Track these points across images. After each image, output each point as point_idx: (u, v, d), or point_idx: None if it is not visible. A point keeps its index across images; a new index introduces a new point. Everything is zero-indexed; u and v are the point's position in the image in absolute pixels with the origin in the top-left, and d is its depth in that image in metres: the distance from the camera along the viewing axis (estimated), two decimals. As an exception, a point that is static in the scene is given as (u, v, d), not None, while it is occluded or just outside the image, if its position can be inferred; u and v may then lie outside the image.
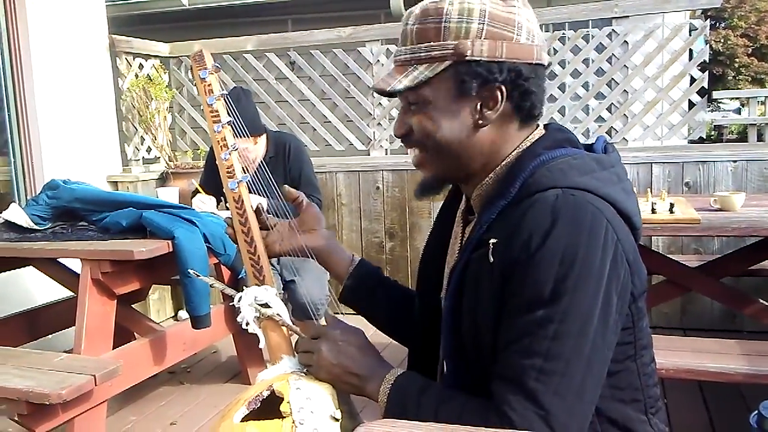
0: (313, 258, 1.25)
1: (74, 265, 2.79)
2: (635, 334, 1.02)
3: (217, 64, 1.30)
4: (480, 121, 1.01)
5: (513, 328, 0.93)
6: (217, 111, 1.27)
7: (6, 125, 3.65)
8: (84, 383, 2.01)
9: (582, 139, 1.09)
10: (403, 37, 1.02)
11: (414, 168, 1.13)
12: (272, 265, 3.09)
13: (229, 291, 1.23)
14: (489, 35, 0.97)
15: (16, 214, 2.54)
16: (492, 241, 0.96)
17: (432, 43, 0.98)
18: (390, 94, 1.05)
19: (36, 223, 2.54)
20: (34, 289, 3.38)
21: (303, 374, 1.10)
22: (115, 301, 2.43)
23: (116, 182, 4.19)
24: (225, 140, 1.26)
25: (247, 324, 1.18)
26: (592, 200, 0.94)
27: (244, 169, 1.25)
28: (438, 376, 1.20)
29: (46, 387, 1.95)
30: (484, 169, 1.06)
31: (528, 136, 1.06)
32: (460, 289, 1.02)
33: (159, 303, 4.26)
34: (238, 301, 1.18)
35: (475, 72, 0.98)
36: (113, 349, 2.44)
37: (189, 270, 2.05)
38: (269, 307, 1.17)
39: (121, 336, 2.69)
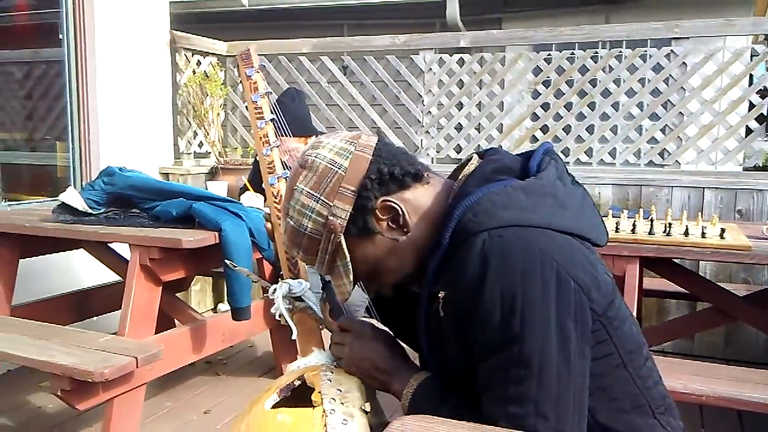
0: None
1: (123, 250, 2.87)
2: (615, 343, 1.01)
3: (262, 63, 1.33)
4: (386, 233, 1.08)
5: (480, 376, 0.96)
6: (261, 108, 1.30)
7: (67, 112, 3.78)
8: (126, 364, 2.07)
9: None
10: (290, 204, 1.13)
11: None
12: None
13: (264, 283, 1.26)
14: (334, 174, 1.08)
15: (72, 197, 2.63)
16: (440, 295, 1.01)
17: (303, 200, 1.11)
18: None
19: (91, 207, 2.62)
20: (84, 271, 3.48)
21: (333, 367, 1.12)
22: (161, 287, 2.49)
23: (167, 174, 4.29)
24: (267, 137, 1.29)
25: (280, 316, 1.20)
26: (522, 234, 0.95)
27: (284, 165, 1.28)
28: None
29: (90, 365, 2.01)
30: (419, 263, 1.09)
31: (459, 176, 1.09)
32: (429, 338, 1.07)
33: (200, 295, 4.34)
34: (273, 293, 1.21)
35: (359, 204, 1.07)
36: (155, 334, 2.50)
37: (226, 260, 2.09)
38: (302, 300, 1.19)
39: (163, 323, 2.76)
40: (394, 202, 1.05)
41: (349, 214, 1.05)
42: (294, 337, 1.22)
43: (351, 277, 1.08)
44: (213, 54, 4.65)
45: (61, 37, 3.76)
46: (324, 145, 1.08)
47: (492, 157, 1.11)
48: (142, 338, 2.38)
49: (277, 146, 1.29)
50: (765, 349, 3.45)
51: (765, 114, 3.61)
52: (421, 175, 1.09)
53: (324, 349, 1.19)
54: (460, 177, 1.10)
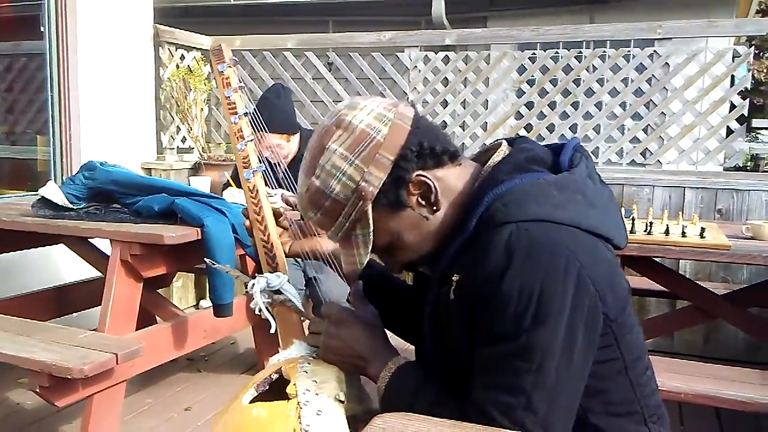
0: (323, 261, 1.28)
1: (104, 246, 2.84)
2: (620, 349, 1.01)
3: (234, 58, 1.32)
4: (418, 212, 1.05)
5: (479, 360, 0.95)
6: (234, 103, 1.30)
7: (48, 106, 3.74)
8: (106, 360, 2.05)
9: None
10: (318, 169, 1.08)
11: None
12: (296, 261, 3.11)
13: (244, 278, 1.25)
14: (374, 153, 1.03)
15: (52, 191, 2.60)
16: (454, 278, 0.99)
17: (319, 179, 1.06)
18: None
19: (71, 202, 2.59)
20: (64, 266, 3.45)
21: (312, 358, 1.12)
22: (142, 283, 2.47)
23: (150, 169, 4.26)
24: (241, 131, 1.29)
25: (260, 310, 1.20)
26: (550, 230, 0.94)
27: (259, 159, 1.29)
28: None
29: (69, 361, 1.99)
30: (440, 242, 1.07)
31: (488, 161, 1.07)
32: (435, 322, 1.05)
33: (182, 291, 4.32)
34: (251, 288, 1.20)
35: (396, 176, 1.04)
36: (136, 330, 2.48)
37: (205, 258, 2.08)
38: (281, 293, 1.19)
39: (144, 319, 2.74)
40: (429, 179, 1.02)
41: (382, 182, 1.01)
42: (273, 330, 1.22)
43: (369, 248, 1.04)
44: (197, 48, 4.62)
45: (42, 29, 3.72)
46: (362, 108, 1.03)
47: (524, 146, 1.09)
48: (122, 335, 2.36)
49: (251, 141, 1.29)
50: (744, 347, 3.49)
51: (746, 115, 3.65)
52: (456, 155, 1.06)
53: (304, 341, 1.18)
54: (488, 163, 1.08)
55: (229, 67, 1.31)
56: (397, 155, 1.01)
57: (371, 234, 1.03)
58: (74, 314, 3.17)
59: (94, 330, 2.38)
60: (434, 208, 1.04)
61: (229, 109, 1.30)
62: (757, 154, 10.74)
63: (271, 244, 1.24)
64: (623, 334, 1.01)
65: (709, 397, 1.96)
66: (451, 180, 1.06)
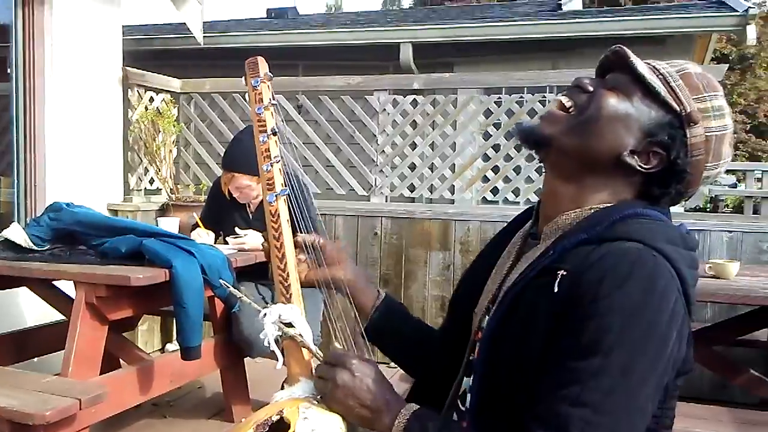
0: (340, 291, 1.26)
1: (68, 289, 2.79)
2: (663, 411, 1.00)
3: (270, 74, 1.27)
4: (622, 157, 1.03)
5: (562, 371, 0.90)
6: (264, 121, 1.24)
7: (12, 146, 3.69)
8: (68, 406, 1.99)
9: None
10: (669, 64, 1.08)
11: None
12: (265, 301, 3.08)
13: (255, 306, 1.21)
14: (707, 140, 1.03)
15: (16, 233, 2.55)
16: (562, 272, 0.95)
17: (686, 90, 1.03)
18: (615, 62, 1.09)
19: (35, 244, 2.54)
20: (26, 310, 3.36)
21: (316, 401, 1.08)
22: (107, 326, 2.42)
23: (116, 210, 4.20)
24: (269, 151, 1.24)
25: (269, 342, 1.16)
26: (671, 271, 0.94)
27: (283, 183, 1.25)
28: (444, 409, 1.18)
29: (31, 407, 1.93)
30: (573, 197, 1.06)
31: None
32: (511, 309, 1.01)
33: (147, 334, 4.23)
34: (262, 318, 1.16)
35: (674, 136, 1.02)
36: (100, 375, 2.42)
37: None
38: (293, 326, 1.15)
39: (109, 363, 2.67)
40: (661, 169, 1.03)
41: (688, 141, 1.02)
42: (280, 365, 1.17)
43: (606, 105, 1.03)
44: (167, 91, 4.62)
45: (9, 71, 3.70)
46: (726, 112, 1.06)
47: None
48: (86, 379, 2.29)
49: (278, 162, 1.25)
50: (709, 385, 3.53)
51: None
52: (664, 199, 1.06)
53: (311, 379, 1.15)
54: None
55: (263, 82, 1.26)
56: (689, 167, 1.03)
57: (657, 92, 1.03)
58: (35, 359, 3.08)
59: (57, 375, 2.32)
60: (620, 157, 1.03)
61: (259, 127, 1.25)
62: (716, 195, 11.02)
63: (287, 273, 1.18)
64: (673, 396, 1.01)
65: (678, 435, 1.97)
66: (619, 191, 1.06)
